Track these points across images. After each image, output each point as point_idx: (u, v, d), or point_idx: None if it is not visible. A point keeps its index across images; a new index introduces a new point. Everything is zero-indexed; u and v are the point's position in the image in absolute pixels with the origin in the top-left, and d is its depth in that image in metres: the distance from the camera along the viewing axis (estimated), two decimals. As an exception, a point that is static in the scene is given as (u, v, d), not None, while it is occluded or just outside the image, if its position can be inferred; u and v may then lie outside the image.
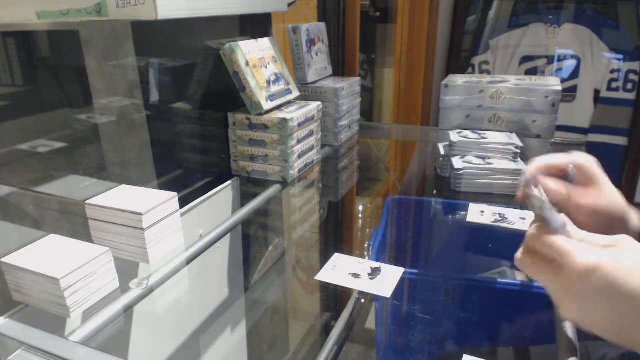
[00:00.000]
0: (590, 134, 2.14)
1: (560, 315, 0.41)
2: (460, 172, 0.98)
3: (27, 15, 0.69)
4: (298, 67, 1.13)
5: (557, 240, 0.40)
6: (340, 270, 0.77)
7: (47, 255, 0.56)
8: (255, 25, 0.97)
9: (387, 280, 0.73)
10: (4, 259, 0.55)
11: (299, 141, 0.92)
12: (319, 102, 1.00)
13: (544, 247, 0.41)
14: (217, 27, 0.87)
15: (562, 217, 0.41)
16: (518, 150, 1.01)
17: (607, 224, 0.46)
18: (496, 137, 1.05)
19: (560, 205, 0.46)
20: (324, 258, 0.81)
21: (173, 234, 0.65)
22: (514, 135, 1.06)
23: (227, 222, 0.77)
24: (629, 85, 2.05)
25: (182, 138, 0.82)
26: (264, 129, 0.88)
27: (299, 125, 0.91)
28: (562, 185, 0.47)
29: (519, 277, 1.15)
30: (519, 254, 0.45)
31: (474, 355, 0.58)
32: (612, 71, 2.06)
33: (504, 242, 1.12)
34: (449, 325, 1.03)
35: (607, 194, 0.46)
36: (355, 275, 0.75)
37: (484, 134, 1.08)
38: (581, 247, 0.39)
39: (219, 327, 0.98)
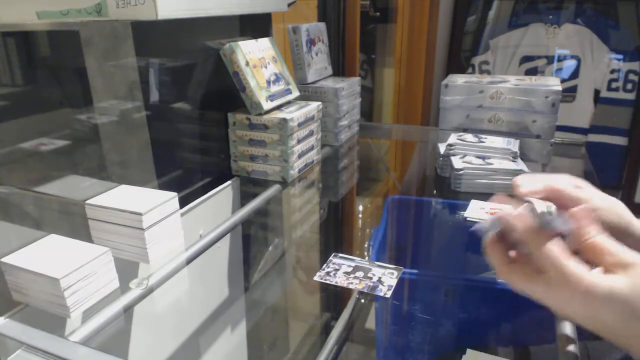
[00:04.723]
0: (590, 134, 2.14)
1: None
2: (460, 172, 0.98)
3: (27, 15, 0.69)
4: (298, 67, 1.13)
5: (557, 254, 0.37)
6: (340, 270, 0.77)
7: (47, 255, 0.56)
8: (255, 25, 0.97)
9: (387, 280, 0.73)
10: (4, 259, 0.55)
11: (299, 141, 0.92)
12: (319, 102, 1.00)
13: (541, 257, 0.38)
14: (217, 27, 0.87)
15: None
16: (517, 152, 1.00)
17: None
18: (495, 142, 1.04)
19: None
20: (324, 258, 0.81)
21: (173, 234, 0.65)
22: (512, 140, 1.05)
23: (227, 222, 0.77)
24: (629, 86, 2.05)
25: (182, 138, 0.82)
26: (264, 129, 0.88)
27: (299, 125, 0.91)
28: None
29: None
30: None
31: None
32: (612, 71, 2.06)
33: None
34: (449, 325, 1.03)
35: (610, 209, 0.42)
36: (355, 276, 0.75)
37: (484, 137, 1.07)
38: (579, 267, 0.36)
39: (219, 327, 0.98)
